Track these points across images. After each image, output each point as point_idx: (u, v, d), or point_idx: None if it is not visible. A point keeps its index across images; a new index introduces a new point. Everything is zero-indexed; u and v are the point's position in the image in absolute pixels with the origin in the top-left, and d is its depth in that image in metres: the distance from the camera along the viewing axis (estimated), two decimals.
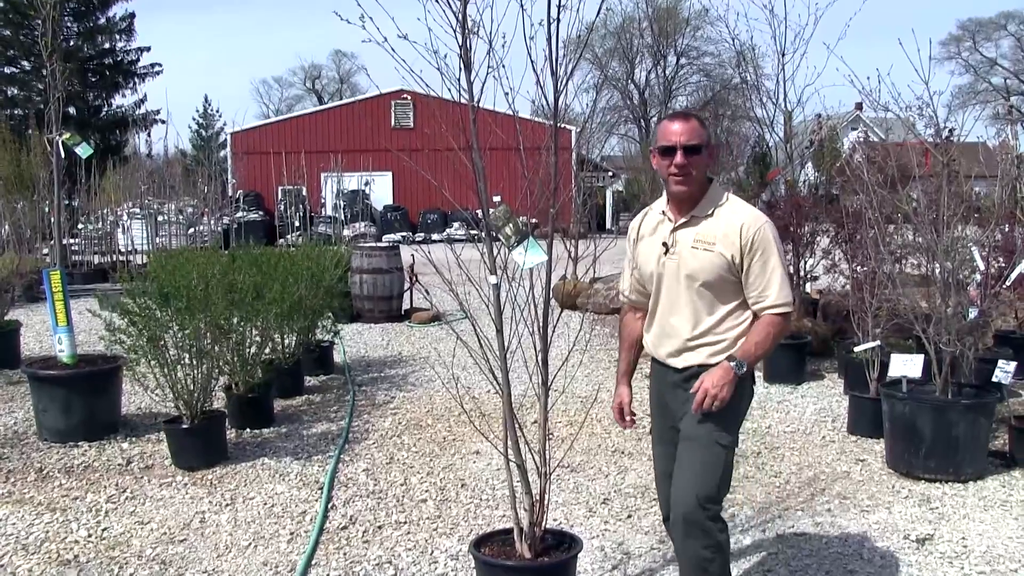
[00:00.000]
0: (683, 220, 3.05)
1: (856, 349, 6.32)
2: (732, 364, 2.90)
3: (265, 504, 4.75)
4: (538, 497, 3.35)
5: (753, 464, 5.40)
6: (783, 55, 8.95)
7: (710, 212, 3.01)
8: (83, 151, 6.76)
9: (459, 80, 3.32)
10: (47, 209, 12.52)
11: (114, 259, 16.98)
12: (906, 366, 5.40)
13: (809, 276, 8.72)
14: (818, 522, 4.44)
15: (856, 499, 4.78)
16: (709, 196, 3.05)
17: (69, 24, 31.57)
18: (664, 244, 3.08)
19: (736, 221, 2.97)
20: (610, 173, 34.84)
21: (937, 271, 5.47)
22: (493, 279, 3.40)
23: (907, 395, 5.22)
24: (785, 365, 7.63)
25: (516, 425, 3.48)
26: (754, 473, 5.23)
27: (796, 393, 7.23)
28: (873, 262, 6.54)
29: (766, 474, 5.21)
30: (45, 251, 13.41)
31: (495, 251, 3.33)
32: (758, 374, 7.78)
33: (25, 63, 30.94)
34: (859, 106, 19.48)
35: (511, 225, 3.40)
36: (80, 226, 18.43)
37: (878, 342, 6.21)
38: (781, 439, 5.95)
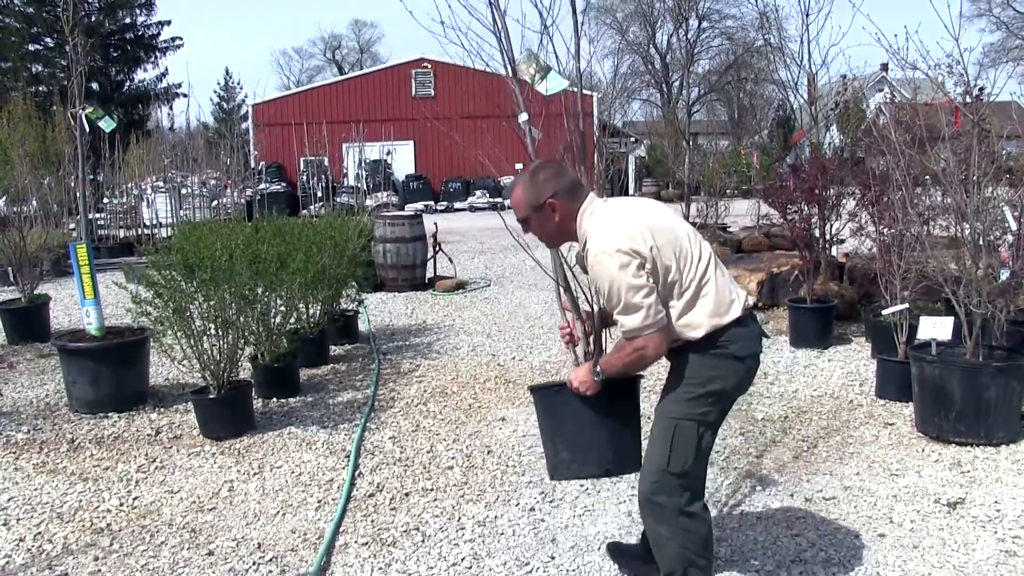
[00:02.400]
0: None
1: (884, 312, 6.24)
2: (595, 370, 3.07)
3: (292, 472, 4.79)
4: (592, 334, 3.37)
5: (780, 428, 5.37)
6: (807, 15, 8.76)
7: (585, 244, 2.98)
8: (106, 125, 6.79)
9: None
10: (73, 184, 12.62)
11: (139, 232, 17.10)
12: (935, 329, 5.33)
13: (835, 239, 8.60)
14: (847, 486, 4.41)
15: (885, 463, 4.74)
16: (582, 229, 3.01)
17: (90, 0, 31.61)
18: None
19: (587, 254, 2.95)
20: (632, 139, 34.52)
21: (967, 232, 5.37)
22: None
23: (937, 358, 5.15)
24: (812, 329, 7.56)
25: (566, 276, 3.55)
26: (781, 437, 5.20)
27: (823, 357, 7.17)
28: (901, 224, 6.44)
29: (793, 438, 5.18)
30: (72, 225, 13.52)
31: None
32: (784, 338, 7.73)
33: (48, 40, 31.05)
34: (884, 67, 19.10)
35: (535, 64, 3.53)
36: (105, 200, 18.56)
37: (906, 305, 6.12)
38: (808, 403, 5.90)
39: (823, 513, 4.09)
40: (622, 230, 2.86)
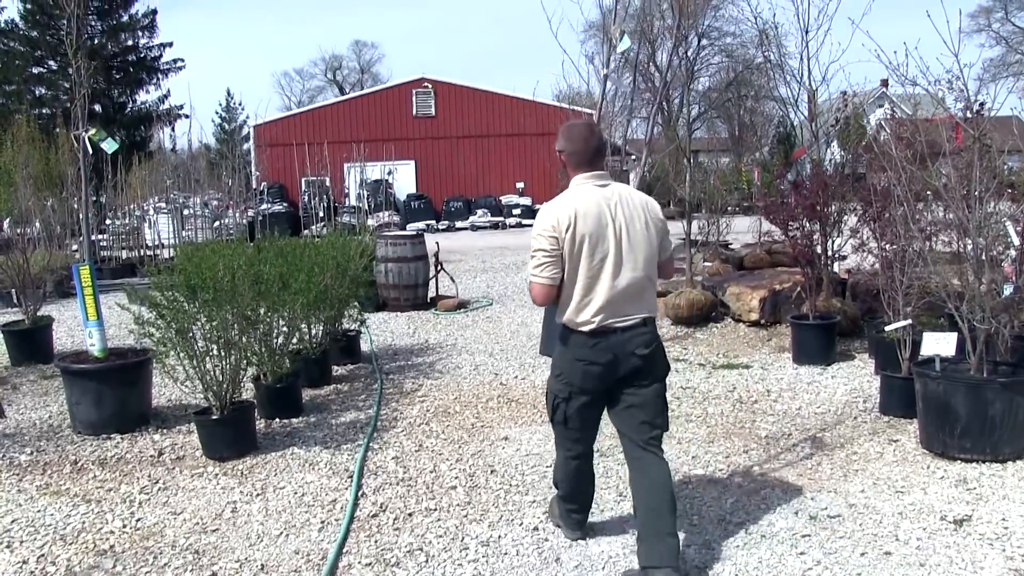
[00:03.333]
0: None
1: (887, 328, 6.23)
2: None
3: (296, 493, 4.78)
4: None
5: (784, 446, 5.35)
6: (807, 32, 8.80)
7: None
8: (109, 146, 6.81)
9: None
10: (76, 206, 12.66)
11: (142, 254, 17.14)
12: (939, 344, 5.33)
13: (837, 256, 8.61)
14: (852, 504, 4.39)
15: (890, 480, 4.72)
16: None
17: (93, 23, 31.81)
18: None
19: None
20: (632, 156, 34.62)
21: (969, 247, 5.37)
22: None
23: (941, 374, 5.14)
24: (814, 346, 7.55)
25: None
26: (785, 455, 5.18)
27: (826, 374, 7.16)
28: (903, 240, 6.44)
29: (797, 456, 5.16)
30: (75, 247, 13.56)
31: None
32: (787, 355, 7.72)
33: (52, 63, 31.24)
34: (885, 83, 19.17)
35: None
36: (108, 222, 18.62)
37: (909, 321, 6.12)
38: (812, 421, 5.89)
39: (828, 531, 4.07)
40: (559, 209, 3.59)
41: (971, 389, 5.00)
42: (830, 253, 8.48)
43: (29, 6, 30.68)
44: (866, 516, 4.23)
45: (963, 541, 3.93)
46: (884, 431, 5.61)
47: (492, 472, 5.03)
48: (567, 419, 3.80)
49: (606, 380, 3.65)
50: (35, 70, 31.67)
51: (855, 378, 6.98)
